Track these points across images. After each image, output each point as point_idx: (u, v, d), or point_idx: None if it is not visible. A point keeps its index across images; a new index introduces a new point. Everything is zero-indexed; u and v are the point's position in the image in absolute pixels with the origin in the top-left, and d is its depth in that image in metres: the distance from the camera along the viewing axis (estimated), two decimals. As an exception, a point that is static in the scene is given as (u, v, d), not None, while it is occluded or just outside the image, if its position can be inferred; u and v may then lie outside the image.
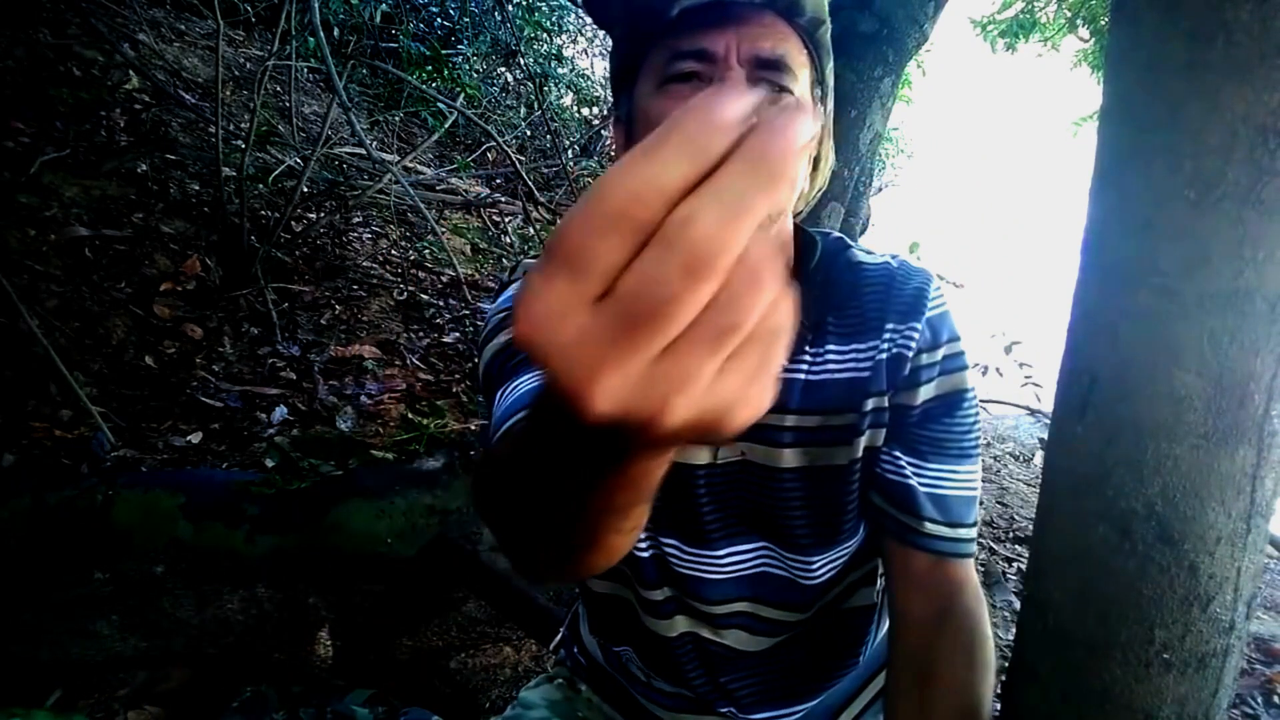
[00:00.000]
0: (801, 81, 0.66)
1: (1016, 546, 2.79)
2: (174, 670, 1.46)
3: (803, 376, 0.72)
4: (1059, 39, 4.57)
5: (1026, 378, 3.23)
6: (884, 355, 0.71)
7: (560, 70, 5.61)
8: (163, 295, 2.31)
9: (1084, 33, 4.32)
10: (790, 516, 0.74)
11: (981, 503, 3.16)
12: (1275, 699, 1.89)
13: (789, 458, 0.72)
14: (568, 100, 5.85)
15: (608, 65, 0.78)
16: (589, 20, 5.39)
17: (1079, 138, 5.13)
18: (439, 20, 5.02)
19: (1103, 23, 4.03)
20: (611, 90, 0.76)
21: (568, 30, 5.84)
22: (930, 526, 0.70)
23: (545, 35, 5.41)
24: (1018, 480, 3.73)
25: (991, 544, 2.78)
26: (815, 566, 0.74)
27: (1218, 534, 0.54)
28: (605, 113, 5.68)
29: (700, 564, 0.75)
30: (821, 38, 0.68)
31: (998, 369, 3.45)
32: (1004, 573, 2.49)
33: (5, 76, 2.66)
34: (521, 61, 4.90)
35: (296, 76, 3.43)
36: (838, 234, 0.80)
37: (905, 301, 0.72)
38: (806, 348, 0.72)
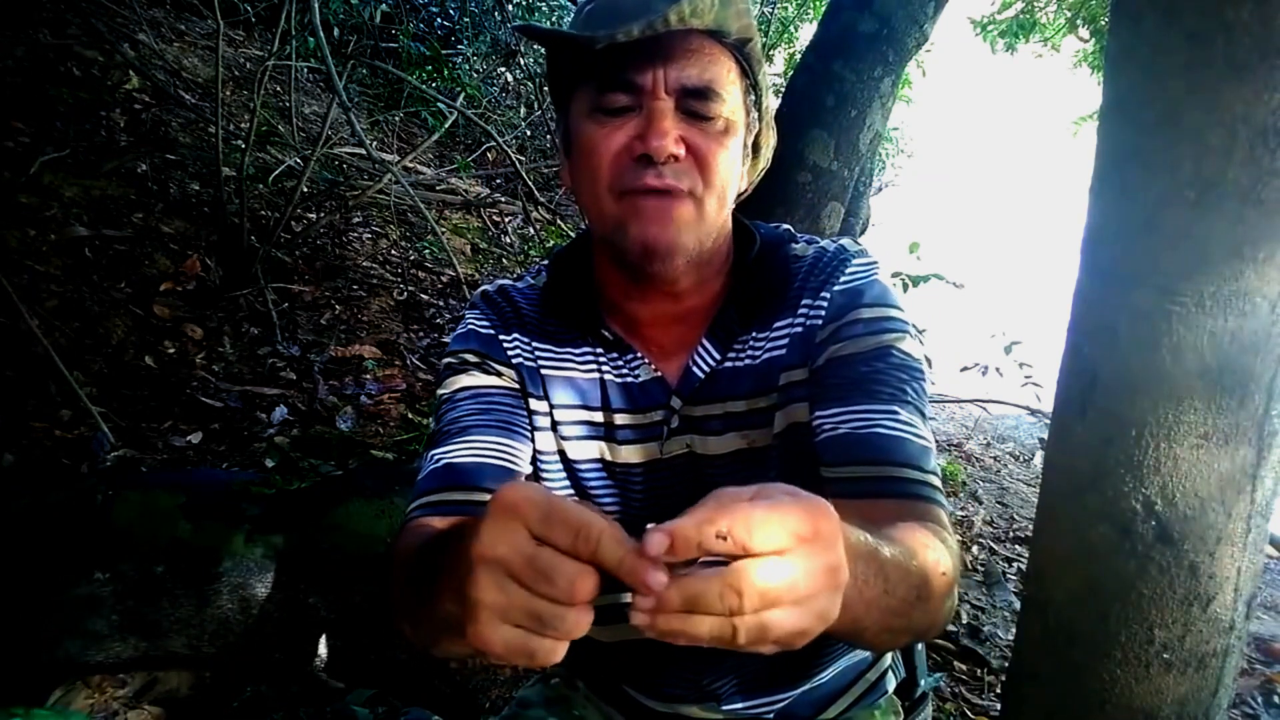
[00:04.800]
0: (731, 99, 0.66)
1: (1016, 546, 2.79)
2: (174, 670, 1.46)
3: (729, 365, 0.74)
4: (1059, 39, 4.57)
5: (1026, 378, 3.23)
6: (798, 330, 0.73)
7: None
8: (163, 295, 2.31)
9: (1084, 33, 4.32)
10: None
11: (981, 502, 3.11)
12: (1275, 699, 1.89)
13: (725, 443, 0.74)
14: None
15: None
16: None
17: (1079, 138, 5.13)
18: (439, 20, 5.02)
19: (1103, 23, 4.03)
20: (550, 93, 0.76)
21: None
22: (864, 469, 0.65)
23: (545, 35, 5.40)
24: (1018, 480, 3.73)
25: (991, 544, 2.78)
26: None
27: (1218, 534, 0.54)
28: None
29: None
30: (751, 51, 0.68)
31: (998, 369, 3.45)
32: (1004, 573, 2.48)
33: (5, 76, 2.66)
34: (521, 61, 4.91)
35: (296, 76, 3.43)
36: (785, 227, 0.81)
37: (821, 279, 0.74)
38: (737, 338, 0.74)
